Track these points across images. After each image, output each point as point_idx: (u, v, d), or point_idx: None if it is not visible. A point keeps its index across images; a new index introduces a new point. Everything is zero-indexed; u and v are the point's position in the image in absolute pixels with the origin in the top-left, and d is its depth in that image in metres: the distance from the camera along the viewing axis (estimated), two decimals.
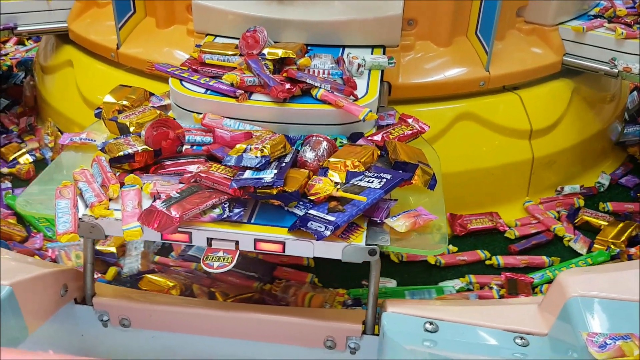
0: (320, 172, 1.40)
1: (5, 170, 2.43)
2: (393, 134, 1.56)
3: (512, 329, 1.22)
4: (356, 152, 1.43)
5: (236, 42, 1.73)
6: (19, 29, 2.49)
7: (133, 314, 1.44)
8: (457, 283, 1.94)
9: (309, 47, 1.80)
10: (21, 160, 2.50)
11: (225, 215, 1.29)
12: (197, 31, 1.97)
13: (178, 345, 1.46)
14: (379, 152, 1.47)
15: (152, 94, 1.71)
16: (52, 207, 1.32)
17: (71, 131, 2.01)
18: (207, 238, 1.29)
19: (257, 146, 1.37)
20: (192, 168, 1.40)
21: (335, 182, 1.34)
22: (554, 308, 1.19)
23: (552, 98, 2.29)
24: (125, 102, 1.63)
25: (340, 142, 1.49)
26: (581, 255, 2.07)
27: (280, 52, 1.61)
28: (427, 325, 1.23)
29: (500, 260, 2.02)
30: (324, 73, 1.62)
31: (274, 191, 1.28)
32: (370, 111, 1.49)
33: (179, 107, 1.60)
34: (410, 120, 1.64)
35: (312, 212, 1.29)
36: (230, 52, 1.68)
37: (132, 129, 1.51)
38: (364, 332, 1.39)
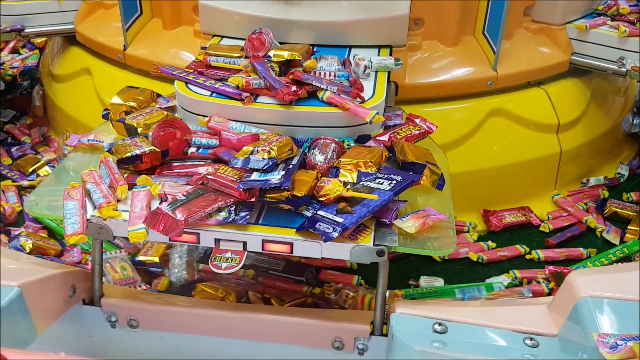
0: (332, 172, 1.39)
1: (26, 183, 2.39)
2: (400, 134, 1.56)
3: (522, 329, 1.21)
4: (365, 153, 1.42)
5: (242, 43, 1.73)
6: (26, 30, 2.48)
7: (141, 315, 1.45)
8: (504, 279, 1.94)
9: (315, 48, 1.80)
10: (40, 172, 2.45)
11: (230, 219, 1.28)
12: (203, 32, 1.97)
13: (186, 346, 1.46)
14: (387, 153, 1.47)
15: (159, 95, 1.71)
16: (60, 209, 1.32)
17: None
18: (215, 239, 1.29)
19: (264, 148, 1.36)
20: (200, 170, 1.39)
21: (345, 183, 1.34)
22: (564, 308, 1.19)
23: (576, 92, 2.31)
24: (132, 104, 1.63)
25: (348, 145, 1.49)
26: (615, 245, 2.09)
27: (286, 54, 1.60)
28: (436, 326, 1.23)
29: (540, 254, 2.05)
30: (330, 75, 1.62)
31: (284, 197, 1.27)
32: (377, 113, 1.49)
33: (184, 109, 1.60)
34: (417, 120, 1.63)
35: (320, 213, 1.28)
36: (235, 55, 1.67)
37: (139, 130, 1.51)
38: (372, 333, 1.38)
